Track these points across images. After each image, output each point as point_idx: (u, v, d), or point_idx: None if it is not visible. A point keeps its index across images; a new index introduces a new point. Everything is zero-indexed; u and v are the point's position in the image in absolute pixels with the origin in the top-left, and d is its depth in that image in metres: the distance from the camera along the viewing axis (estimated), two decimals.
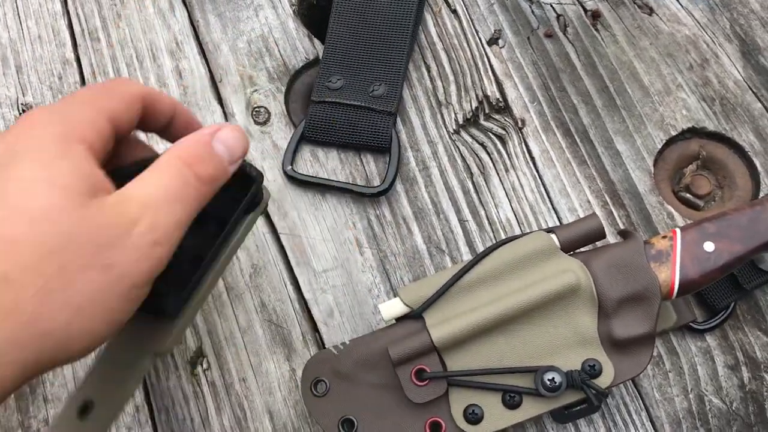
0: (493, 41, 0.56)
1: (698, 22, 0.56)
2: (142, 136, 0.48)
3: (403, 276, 0.49)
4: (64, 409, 0.39)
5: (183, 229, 0.32)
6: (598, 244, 0.46)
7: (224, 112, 0.54)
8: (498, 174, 0.52)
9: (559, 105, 0.54)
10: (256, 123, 0.54)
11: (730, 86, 0.54)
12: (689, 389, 0.46)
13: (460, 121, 0.53)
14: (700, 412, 0.45)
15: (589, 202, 0.51)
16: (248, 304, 0.49)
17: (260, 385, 0.47)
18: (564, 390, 0.40)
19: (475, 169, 0.52)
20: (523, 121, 0.53)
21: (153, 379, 0.47)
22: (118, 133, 0.35)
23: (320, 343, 0.48)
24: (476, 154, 0.52)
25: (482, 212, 0.51)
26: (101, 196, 0.30)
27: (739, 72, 0.55)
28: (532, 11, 0.57)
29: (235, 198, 0.39)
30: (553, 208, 0.51)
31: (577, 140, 0.53)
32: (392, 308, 0.43)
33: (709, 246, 0.41)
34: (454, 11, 0.57)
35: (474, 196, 0.51)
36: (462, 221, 0.50)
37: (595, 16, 0.57)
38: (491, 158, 0.52)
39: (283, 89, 0.55)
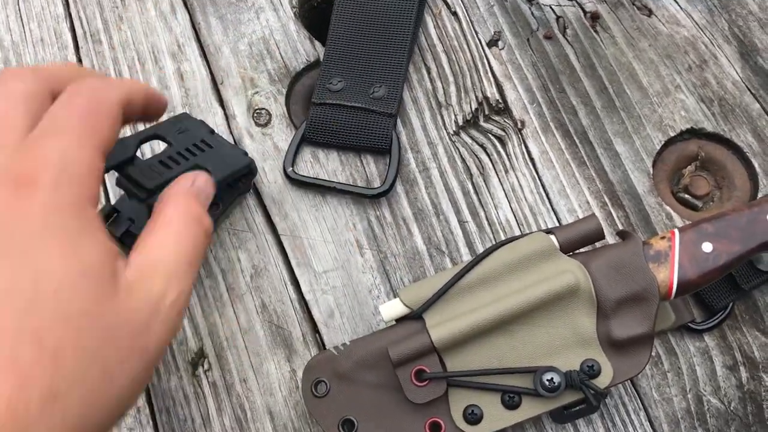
0: (492, 43, 0.56)
1: (697, 24, 0.57)
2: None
3: (403, 277, 0.49)
4: None
5: (191, 290, 0.33)
6: (597, 244, 0.47)
7: (225, 114, 0.55)
8: (498, 175, 0.52)
9: (559, 106, 0.54)
10: (257, 125, 0.54)
11: (728, 87, 0.54)
12: (688, 389, 0.46)
13: (460, 123, 0.54)
14: (698, 412, 0.45)
15: (588, 203, 0.51)
16: (249, 305, 0.49)
17: (261, 386, 0.47)
18: (563, 390, 0.40)
19: (474, 170, 0.52)
20: (522, 123, 0.53)
21: (154, 380, 0.47)
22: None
23: (321, 344, 0.48)
24: (476, 156, 0.53)
25: (482, 213, 0.51)
26: (121, 272, 0.29)
27: (737, 73, 0.55)
28: (532, 13, 0.57)
29: (229, 183, 0.49)
30: (553, 209, 0.51)
31: (577, 141, 0.53)
32: (392, 309, 0.43)
33: (707, 246, 0.42)
34: (454, 13, 0.57)
35: (474, 197, 0.51)
36: (462, 222, 0.51)
37: (595, 17, 0.57)
38: (491, 159, 0.52)
39: (284, 91, 0.55)
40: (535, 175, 0.52)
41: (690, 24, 0.57)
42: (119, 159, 0.45)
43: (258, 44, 0.57)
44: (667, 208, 0.51)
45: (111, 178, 0.53)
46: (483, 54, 0.56)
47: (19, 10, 0.59)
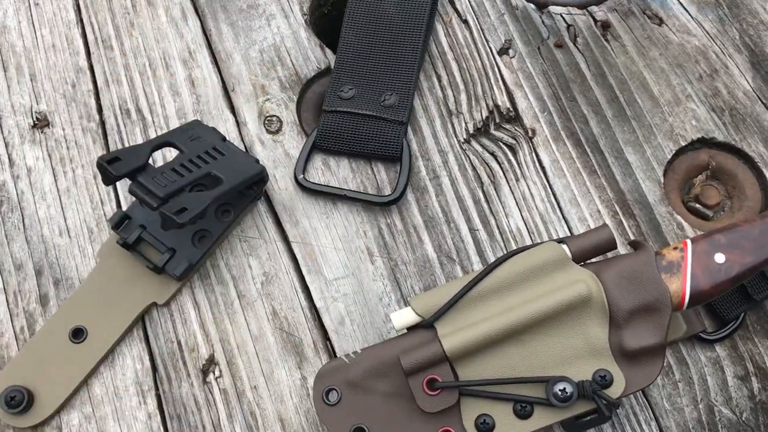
0: (503, 51, 0.56)
1: (708, 33, 0.57)
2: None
3: (413, 285, 0.50)
4: (48, 330, 0.48)
5: None
6: (609, 254, 0.47)
7: (237, 121, 0.55)
8: (508, 183, 0.52)
9: (570, 115, 0.54)
10: (269, 132, 0.54)
11: (739, 97, 0.54)
12: (699, 399, 0.46)
13: (471, 131, 0.54)
14: (710, 423, 0.45)
15: (599, 211, 0.51)
16: (260, 312, 0.49)
17: (272, 393, 0.47)
18: (575, 400, 0.40)
19: (485, 179, 0.52)
20: (533, 131, 0.54)
21: (165, 387, 0.47)
22: None
23: (331, 352, 0.48)
24: (487, 164, 0.53)
25: (493, 222, 0.51)
26: None
27: (748, 82, 0.55)
28: (543, 21, 0.57)
29: (241, 191, 0.49)
30: (564, 218, 0.51)
31: (588, 150, 0.53)
32: (404, 318, 0.43)
33: (720, 257, 0.42)
34: (465, 21, 0.57)
35: (484, 205, 0.51)
36: (472, 230, 0.51)
37: (605, 26, 0.57)
38: (501, 168, 0.52)
39: (295, 98, 0.55)
40: (546, 184, 0.52)
41: (701, 33, 0.57)
42: (132, 167, 0.45)
43: (269, 51, 0.57)
44: (678, 217, 0.51)
45: (122, 184, 0.53)
46: (494, 62, 0.56)
47: (31, 16, 0.59)
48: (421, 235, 0.51)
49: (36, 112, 0.56)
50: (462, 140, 0.53)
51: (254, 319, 0.49)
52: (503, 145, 0.53)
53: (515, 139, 0.53)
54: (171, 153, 0.53)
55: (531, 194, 0.52)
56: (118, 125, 0.55)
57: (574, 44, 0.57)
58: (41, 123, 0.55)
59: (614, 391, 0.40)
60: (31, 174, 0.54)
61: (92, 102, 0.56)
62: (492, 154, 0.53)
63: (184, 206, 0.43)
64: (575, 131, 0.53)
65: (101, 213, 0.52)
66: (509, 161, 0.53)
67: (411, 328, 0.44)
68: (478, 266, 0.50)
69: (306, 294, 0.50)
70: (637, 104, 0.54)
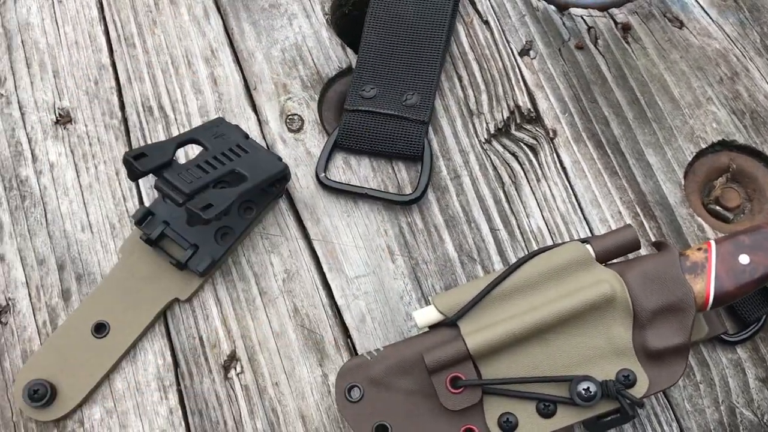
0: (524, 52, 0.57)
1: (728, 36, 0.57)
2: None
3: (434, 284, 0.50)
4: (71, 325, 0.48)
5: None
6: (630, 255, 0.47)
7: (258, 120, 0.55)
8: (529, 184, 0.52)
9: (591, 116, 0.54)
10: (290, 130, 0.55)
11: (760, 100, 0.54)
12: (720, 401, 0.46)
13: (492, 131, 0.54)
14: (731, 424, 0.45)
15: (620, 213, 0.51)
16: (281, 309, 0.49)
17: (293, 390, 0.47)
18: (599, 400, 0.40)
19: (506, 179, 0.52)
20: (554, 132, 0.54)
21: (187, 382, 0.48)
22: None
23: (352, 349, 0.48)
24: (508, 164, 0.53)
25: (513, 221, 0.51)
26: None
27: None
28: (563, 23, 0.58)
29: (263, 188, 0.50)
30: (585, 219, 0.51)
31: (609, 151, 0.53)
32: (427, 316, 0.43)
33: (744, 258, 0.42)
34: (486, 22, 0.58)
35: (505, 205, 0.52)
36: (493, 230, 0.51)
37: (626, 28, 0.57)
38: (522, 168, 0.53)
39: (317, 97, 0.56)
40: (567, 185, 0.52)
41: (721, 36, 0.57)
42: (157, 163, 0.46)
43: (291, 50, 0.57)
44: (699, 219, 0.51)
45: (144, 180, 0.53)
46: (515, 63, 0.56)
47: (55, 13, 0.60)
48: (442, 234, 0.51)
49: (59, 108, 0.56)
50: (483, 140, 0.54)
51: (276, 316, 0.49)
52: (524, 146, 0.53)
53: (536, 139, 0.54)
54: (194, 150, 0.53)
55: (552, 195, 0.52)
56: (140, 122, 0.55)
57: (595, 46, 0.57)
58: (64, 119, 0.56)
59: (637, 391, 0.40)
60: (53, 170, 0.54)
61: (115, 99, 0.56)
62: (513, 154, 0.53)
63: (210, 202, 0.44)
64: (596, 132, 0.54)
65: (123, 209, 0.53)
66: (530, 161, 0.53)
67: (433, 327, 0.44)
68: (499, 266, 0.50)
69: (327, 291, 0.50)
70: (658, 106, 0.54)
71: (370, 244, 0.51)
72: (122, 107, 0.56)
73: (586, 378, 0.40)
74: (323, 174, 0.52)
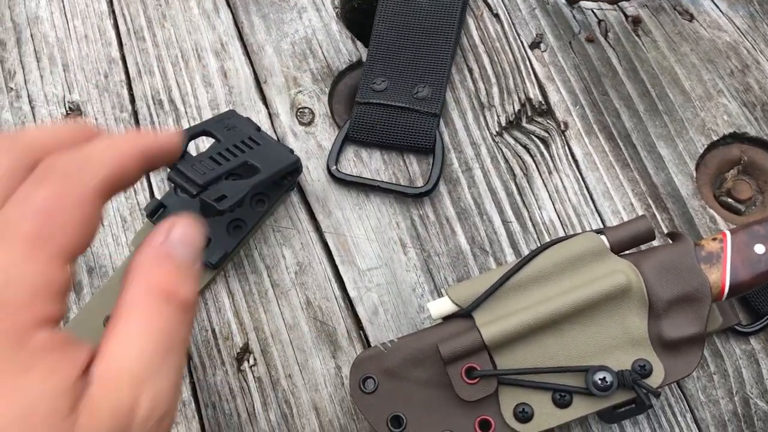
0: (535, 45, 0.57)
1: (739, 29, 0.57)
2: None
3: (447, 276, 0.50)
4: (83, 318, 0.48)
5: (181, 379, 0.27)
6: (642, 247, 0.47)
7: (269, 113, 0.55)
8: (541, 176, 0.52)
9: (602, 109, 0.54)
10: (301, 123, 0.54)
11: None
12: (734, 392, 0.46)
13: (503, 124, 0.54)
14: (745, 415, 0.45)
15: (632, 205, 0.51)
16: (294, 301, 0.49)
17: (306, 382, 0.47)
18: (615, 389, 0.40)
19: (518, 171, 0.52)
20: (566, 124, 0.54)
21: (200, 374, 0.48)
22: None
23: (365, 341, 0.48)
24: (519, 156, 0.53)
25: (525, 214, 0.51)
26: (82, 398, 0.24)
27: None
28: (574, 16, 0.58)
29: (276, 181, 0.49)
30: (597, 211, 0.51)
31: (620, 144, 0.53)
32: (441, 306, 0.43)
33: (759, 248, 0.42)
34: (496, 15, 0.58)
35: (517, 197, 0.52)
36: (505, 222, 0.51)
37: (636, 21, 0.57)
38: (534, 160, 0.53)
39: (327, 90, 0.56)
40: (579, 177, 0.52)
41: (732, 29, 0.57)
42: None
43: (301, 44, 0.57)
44: (711, 211, 0.51)
45: (155, 174, 0.53)
46: (525, 56, 0.56)
47: (64, 7, 0.60)
48: (454, 226, 0.51)
49: (69, 102, 0.56)
50: (494, 133, 0.54)
51: (288, 309, 0.49)
52: (535, 138, 0.53)
53: (548, 132, 0.54)
54: (205, 143, 0.53)
55: (564, 187, 0.52)
56: (150, 115, 0.55)
57: (606, 39, 0.57)
58: (74, 113, 0.56)
59: (654, 381, 0.40)
60: None
61: (125, 92, 0.56)
62: (524, 146, 0.53)
63: (224, 193, 0.44)
64: (607, 125, 0.54)
65: (134, 202, 0.52)
66: (542, 154, 0.53)
67: (447, 318, 0.44)
68: (511, 258, 0.50)
69: (339, 284, 0.50)
70: (669, 99, 0.54)
71: (382, 237, 0.51)
72: (132, 100, 0.56)
73: (602, 368, 0.40)
74: (335, 167, 0.52)
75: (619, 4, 0.58)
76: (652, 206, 0.51)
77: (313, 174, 0.53)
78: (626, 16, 0.58)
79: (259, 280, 0.50)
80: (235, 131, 0.49)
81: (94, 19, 0.59)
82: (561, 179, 0.52)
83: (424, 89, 0.53)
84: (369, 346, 0.48)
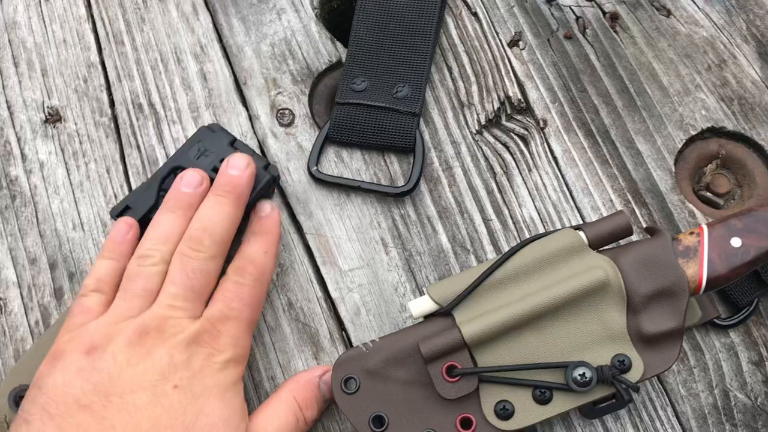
0: (513, 43, 0.57)
1: (715, 24, 0.57)
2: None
3: (428, 275, 0.50)
4: (62, 323, 0.46)
5: None
6: (622, 242, 0.47)
7: (249, 115, 0.55)
8: (521, 173, 0.52)
9: (580, 105, 0.54)
10: (281, 125, 0.54)
11: (748, 86, 0.55)
12: (714, 385, 0.46)
13: (483, 122, 0.54)
14: (725, 408, 0.46)
15: (611, 201, 0.51)
16: (275, 303, 0.49)
17: None
18: (594, 385, 0.40)
19: (498, 169, 0.52)
20: (544, 122, 0.54)
21: None
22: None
23: (347, 342, 0.48)
24: (499, 155, 0.53)
25: (506, 211, 0.51)
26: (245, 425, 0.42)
27: (756, 72, 0.55)
28: (552, 13, 0.58)
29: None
30: (576, 207, 0.51)
31: (599, 140, 0.53)
32: (422, 306, 0.44)
33: (736, 242, 0.42)
34: (475, 14, 0.58)
35: (497, 195, 0.52)
36: (486, 220, 0.51)
37: (614, 18, 0.57)
38: (514, 158, 0.53)
39: (307, 91, 0.56)
40: (559, 174, 0.52)
41: (708, 24, 0.57)
42: (144, 211, 0.48)
43: (280, 45, 0.57)
44: (690, 205, 0.51)
45: (135, 178, 0.53)
46: (504, 54, 0.56)
47: (42, 12, 0.59)
48: (435, 225, 0.51)
49: (48, 107, 0.56)
50: (474, 131, 0.54)
51: (270, 310, 0.49)
52: (515, 136, 0.53)
53: (527, 129, 0.54)
54: None
55: (544, 184, 0.52)
56: (130, 119, 0.55)
57: (584, 36, 0.57)
58: (53, 118, 0.55)
59: (633, 376, 0.41)
60: (43, 168, 0.54)
61: (104, 97, 0.56)
62: (504, 144, 0.53)
63: None
64: (586, 121, 0.54)
65: None
66: (521, 152, 0.53)
67: (428, 317, 0.44)
68: (492, 256, 0.50)
69: (321, 285, 0.50)
70: (647, 94, 0.55)
71: (363, 237, 0.51)
72: (112, 105, 0.56)
73: (582, 364, 0.41)
74: (315, 167, 0.52)
75: (597, 0, 0.58)
76: (632, 202, 0.51)
77: (294, 175, 0.53)
78: (604, 12, 0.58)
79: None
80: (206, 157, 0.48)
81: (73, 23, 0.59)
82: (540, 176, 0.52)
83: (404, 89, 0.53)
84: (351, 346, 0.48)
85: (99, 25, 0.59)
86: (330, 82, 0.57)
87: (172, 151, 0.54)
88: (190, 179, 0.46)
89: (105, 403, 0.38)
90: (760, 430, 0.45)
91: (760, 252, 0.42)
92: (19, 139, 0.55)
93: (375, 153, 0.53)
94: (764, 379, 0.46)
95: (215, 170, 0.47)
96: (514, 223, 0.51)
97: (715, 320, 0.47)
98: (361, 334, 0.48)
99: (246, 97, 0.56)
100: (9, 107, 0.56)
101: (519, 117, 0.54)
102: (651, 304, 0.42)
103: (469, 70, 0.56)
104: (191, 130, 0.54)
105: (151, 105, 0.55)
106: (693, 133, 0.54)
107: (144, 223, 0.47)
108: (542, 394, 0.41)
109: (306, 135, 0.54)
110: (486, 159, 0.53)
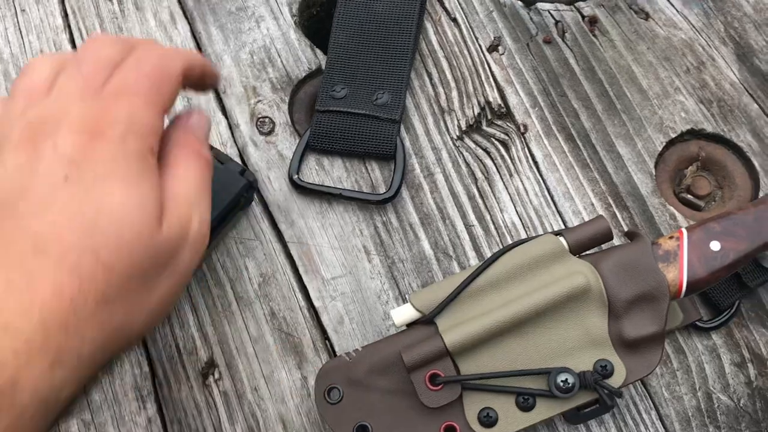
0: (493, 48, 0.57)
1: (693, 26, 0.57)
2: None
3: (411, 282, 0.50)
4: None
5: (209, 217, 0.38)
6: (604, 246, 0.47)
7: (229, 124, 0.55)
8: (502, 179, 0.52)
9: (560, 110, 0.54)
10: (261, 133, 0.54)
11: (726, 88, 0.55)
12: (697, 387, 0.46)
13: (463, 128, 0.54)
14: (708, 410, 0.46)
15: (593, 204, 0.51)
16: (258, 313, 0.49)
17: (272, 394, 0.47)
18: (577, 391, 0.40)
19: (479, 175, 0.52)
20: (525, 127, 0.54)
21: (165, 391, 0.47)
22: None
23: (331, 351, 0.48)
24: (480, 160, 0.53)
25: (488, 217, 0.51)
26: (164, 207, 0.35)
27: (735, 74, 0.56)
28: (531, 18, 0.58)
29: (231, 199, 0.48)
30: (558, 212, 0.51)
31: (579, 144, 0.53)
32: (404, 314, 0.43)
33: (715, 245, 0.42)
34: (454, 19, 0.58)
35: (479, 201, 0.52)
36: (468, 226, 0.51)
37: (593, 21, 0.58)
38: (495, 163, 0.53)
39: (287, 99, 0.55)
40: (540, 179, 0.52)
41: (687, 27, 0.57)
42: None
43: (259, 53, 0.57)
44: (671, 208, 0.51)
45: None
46: (484, 59, 0.56)
47: (18, 22, 0.59)
48: (417, 232, 0.51)
49: None
50: (455, 137, 0.54)
51: (253, 321, 0.49)
52: (496, 141, 0.53)
53: (507, 134, 0.54)
54: None
55: (525, 189, 0.52)
56: None
57: (563, 40, 0.57)
58: None
59: (615, 381, 0.41)
60: None
61: None
62: (485, 150, 0.53)
63: None
64: (566, 126, 0.54)
65: None
66: (502, 157, 0.53)
67: (411, 325, 0.44)
68: (474, 262, 0.50)
69: (304, 294, 0.50)
70: (627, 98, 0.55)
71: (345, 245, 0.51)
72: None
73: (564, 370, 0.41)
74: (296, 176, 0.52)
75: (576, 4, 0.59)
76: (613, 205, 0.51)
77: (275, 184, 0.53)
78: (583, 16, 0.58)
79: (222, 293, 0.49)
80: None
81: (50, 33, 0.58)
82: (522, 181, 0.52)
83: (384, 96, 0.53)
84: (335, 355, 0.48)
85: (76, 35, 0.58)
86: (310, 89, 0.57)
87: None
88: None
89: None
90: None
91: (739, 255, 0.42)
92: None
93: (356, 160, 0.53)
94: (747, 380, 0.46)
95: None
96: (496, 228, 0.51)
97: (697, 323, 0.47)
98: (344, 342, 0.48)
99: (225, 106, 0.55)
100: None
101: (499, 122, 0.54)
102: (632, 309, 0.42)
103: (449, 76, 0.56)
104: None
105: None
106: (673, 135, 0.54)
107: None
108: (525, 401, 0.41)
109: (286, 143, 0.54)
110: (467, 165, 0.53)
